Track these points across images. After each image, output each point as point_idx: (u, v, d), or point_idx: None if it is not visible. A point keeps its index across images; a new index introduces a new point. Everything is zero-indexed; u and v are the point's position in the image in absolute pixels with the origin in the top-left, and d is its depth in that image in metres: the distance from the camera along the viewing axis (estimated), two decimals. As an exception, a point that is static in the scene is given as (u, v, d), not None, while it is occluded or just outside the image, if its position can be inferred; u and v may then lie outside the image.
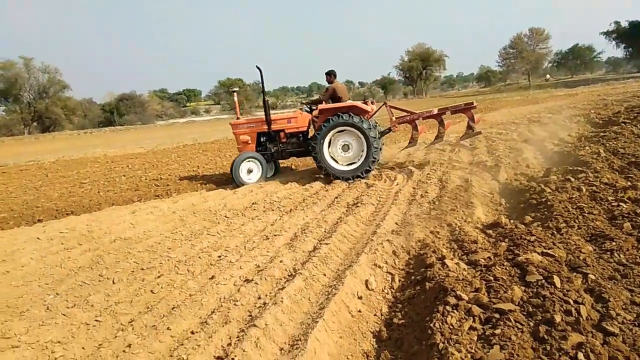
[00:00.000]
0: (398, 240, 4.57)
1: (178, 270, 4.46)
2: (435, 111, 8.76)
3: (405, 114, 8.90)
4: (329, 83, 9.18)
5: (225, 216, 6.55)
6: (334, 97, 8.88)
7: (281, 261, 4.28)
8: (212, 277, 4.17)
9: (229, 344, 2.95)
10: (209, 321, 3.25)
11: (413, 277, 3.82)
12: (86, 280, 4.44)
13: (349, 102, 8.65)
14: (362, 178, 8.14)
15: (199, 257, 4.76)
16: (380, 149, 8.74)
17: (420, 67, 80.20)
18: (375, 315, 3.42)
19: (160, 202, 7.96)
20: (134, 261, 4.88)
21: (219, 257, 4.82)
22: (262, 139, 9.21)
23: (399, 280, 3.90)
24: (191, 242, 5.37)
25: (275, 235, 5.26)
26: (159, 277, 4.38)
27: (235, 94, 10.41)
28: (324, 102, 8.91)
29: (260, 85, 9.04)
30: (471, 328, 2.72)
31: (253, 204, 7.14)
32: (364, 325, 3.24)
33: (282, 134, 9.15)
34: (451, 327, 2.74)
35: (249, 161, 8.74)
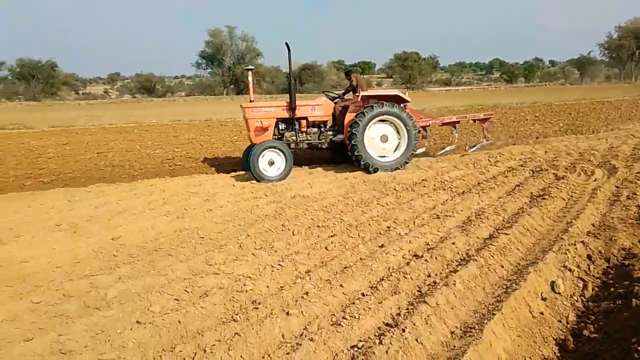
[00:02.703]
0: (595, 244, 3.96)
1: (349, 233, 4.66)
2: (454, 118, 9.23)
3: (423, 118, 9.03)
4: (350, 80, 9.03)
5: (395, 189, 6.57)
6: (358, 88, 8.58)
7: (453, 243, 4.11)
8: (382, 246, 4.23)
9: (398, 314, 2.98)
10: (378, 287, 3.33)
11: (612, 289, 3.28)
12: (271, 227, 4.96)
13: (392, 90, 8.32)
14: (399, 169, 7.83)
15: (369, 224, 4.89)
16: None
17: (633, 47, 66.96)
18: (560, 321, 3.04)
19: (333, 167, 8.38)
20: (311, 218, 5.26)
21: (388, 227, 4.87)
22: (280, 127, 8.09)
23: (593, 289, 3.39)
24: (362, 209, 5.54)
25: (446, 215, 5.07)
26: (332, 236, 4.64)
27: (249, 72, 8.11)
28: (353, 91, 8.75)
29: (288, 64, 7.76)
30: (697, 366, 2.22)
31: (423, 180, 7.00)
32: (546, 330, 2.91)
33: (303, 122, 8.11)
34: (668, 358, 2.27)
35: (271, 151, 7.38)
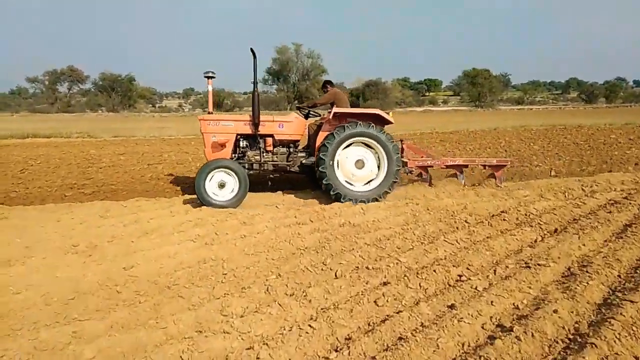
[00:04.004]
0: None
1: (408, 281, 3.61)
2: (460, 161, 7.72)
3: (424, 157, 7.84)
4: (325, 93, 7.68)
5: (466, 221, 5.42)
6: (334, 105, 7.25)
7: (555, 311, 2.94)
8: (452, 307, 3.15)
9: None
10: (448, 381, 2.27)
11: None
12: (309, 265, 4.03)
13: (371, 109, 7.14)
14: (378, 200, 6.55)
15: (434, 271, 3.80)
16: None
17: None
18: None
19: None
20: (360, 255, 4.27)
21: (460, 277, 3.76)
22: (241, 144, 7.05)
23: None
24: (424, 247, 4.45)
25: (538, 264, 3.86)
26: (385, 284, 3.62)
27: (209, 80, 6.81)
28: (318, 106, 7.70)
29: (253, 72, 6.68)
30: None
31: (502, 212, 5.77)
32: None
33: (269, 140, 7.03)
34: None
35: (221, 171, 6.31)
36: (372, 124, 6.60)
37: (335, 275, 3.83)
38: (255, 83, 6.73)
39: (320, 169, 6.50)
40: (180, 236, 5.01)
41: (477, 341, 2.71)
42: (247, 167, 6.86)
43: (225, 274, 3.86)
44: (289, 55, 64.19)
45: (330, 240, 4.76)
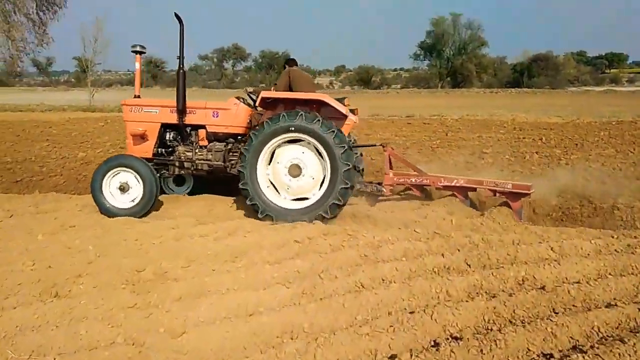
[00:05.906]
0: None
1: None
2: (461, 182, 5.52)
3: (412, 172, 5.85)
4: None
5: None
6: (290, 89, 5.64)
7: None
8: None
9: None
10: None
11: None
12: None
13: (317, 94, 5.36)
14: (324, 219, 4.82)
15: None
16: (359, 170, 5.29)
17: None
18: None
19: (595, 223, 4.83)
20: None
21: None
22: (168, 137, 5.75)
23: None
24: None
25: None
26: None
27: (137, 56, 5.66)
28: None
29: (179, 44, 5.37)
30: None
31: None
32: None
33: (201, 132, 5.70)
34: None
35: (122, 170, 5.21)
36: (302, 113, 4.87)
37: None
38: (181, 58, 5.46)
39: (240, 185, 5.07)
40: (274, 270, 3.54)
41: None
42: (177, 165, 5.74)
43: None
44: (444, 27, 59.41)
45: (504, 321, 2.77)
